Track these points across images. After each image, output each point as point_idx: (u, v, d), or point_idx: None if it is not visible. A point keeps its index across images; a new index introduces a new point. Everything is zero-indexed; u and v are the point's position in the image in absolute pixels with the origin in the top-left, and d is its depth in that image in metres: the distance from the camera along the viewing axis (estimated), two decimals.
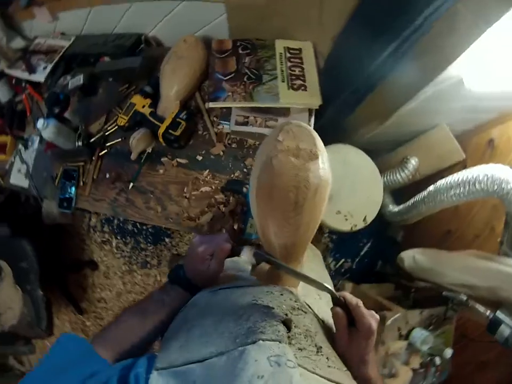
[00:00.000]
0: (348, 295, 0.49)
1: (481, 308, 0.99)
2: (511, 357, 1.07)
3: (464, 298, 1.03)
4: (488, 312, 0.98)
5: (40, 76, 1.25)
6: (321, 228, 1.86)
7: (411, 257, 1.19)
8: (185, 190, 1.01)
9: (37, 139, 1.24)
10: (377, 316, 0.48)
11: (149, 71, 1.14)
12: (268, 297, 0.48)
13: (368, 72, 0.98)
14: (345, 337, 0.48)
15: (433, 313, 1.22)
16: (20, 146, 1.27)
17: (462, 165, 1.33)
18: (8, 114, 1.32)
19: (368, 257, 1.84)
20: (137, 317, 0.56)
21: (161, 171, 1.04)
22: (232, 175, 0.99)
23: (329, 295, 0.50)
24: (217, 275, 0.57)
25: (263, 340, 0.36)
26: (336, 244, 1.84)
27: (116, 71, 1.12)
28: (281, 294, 0.50)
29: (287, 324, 0.42)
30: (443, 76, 1.00)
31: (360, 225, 1.20)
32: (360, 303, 0.48)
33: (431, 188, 1.21)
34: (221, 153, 1.01)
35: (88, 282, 1.98)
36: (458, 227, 1.38)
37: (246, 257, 0.66)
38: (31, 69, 1.27)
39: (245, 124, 0.97)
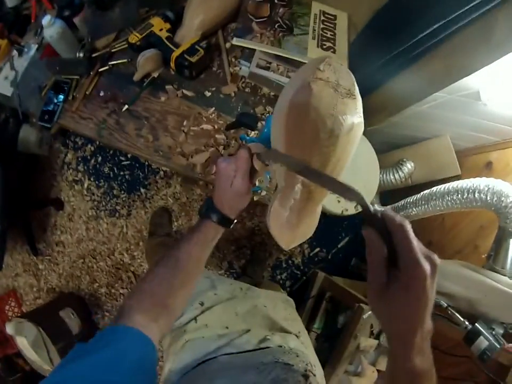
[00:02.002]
0: (389, 212, 0.33)
1: (460, 318, 0.97)
2: (479, 376, 1.05)
3: (445, 305, 1.01)
4: (466, 322, 0.96)
5: None
6: None
7: None
8: (184, 124, 0.94)
9: (34, 47, 1.13)
10: (436, 258, 0.32)
11: (174, 0, 1.07)
12: (286, 356, 0.59)
13: (391, 59, 0.97)
14: (381, 281, 0.33)
15: None
16: (14, 52, 1.15)
17: (456, 180, 1.34)
18: (10, 19, 1.21)
19: (344, 251, 1.84)
20: (170, 263, 0.53)
21: (162, 99, 0.96)
22: None
23: None
24: (244, 192, 0.54)
25: None
26: (315, 232, 1.80)
27: None
28: (297, 356, 0.63)
29: (306, 376, 0.52)
30: (461, 85, 0.99)
31: (351, 211, 1.17)
32: (409, 226, 0.32)
33: (426, 191, 1.20)
34: (232, 94, 0.95)
35: (49, 222, 1.83)
36: (441, 239, 1.38)
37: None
38: None
39: (266, 68, 0.91)
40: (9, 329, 1.32)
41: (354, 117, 0.45)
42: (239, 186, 0.53)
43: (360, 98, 0.48)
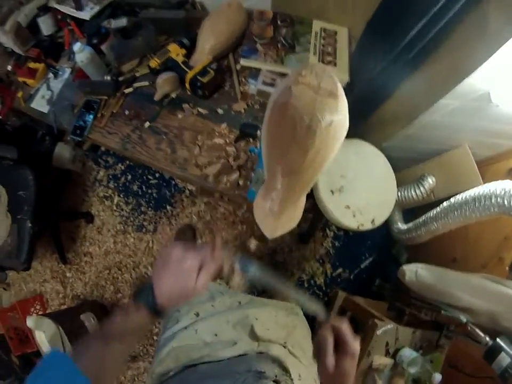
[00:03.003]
0: (335, 319, 0.52)
1: (480, 333, 0.93)
2: None
3: (464, 320, 0.98)
4: (487, 338, 0.92)
5: (86, 14, 1.31)
6: (325, 230, 1.84)
7: (413, 271, 1.13)
8: (198, 138, 1.03)
9: (68, 70, 1.29)
10: (358, 343, 0.51)
11: (188, 28, 1.18)
12: (260, 364, 0.63)
13: (392, 65, 0.97)
14: (333, 362, 0.49)
15: (425, 336, 1.16)
16: (50, 74, 1.31)
17: None
18: (47, 45, 1.38)
19: (367, 272, 1.80)
20: (100, 342, 0.49)
21: (180, 116, 1.06)
22: None
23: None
24: (205, 289, 0.51)
25: None
26: (337, 252, 1.80)
27: (159, 19, 1.17)
28: (273, 361, 0.67)
29: (277, 382, 0.57)
30: (470, 88, 0.99)
31: (367, 226, 1.10)
32: (345, 322, 0.51)
33: (445, 203, 1.15)
34: (242, 110, 1.03)
35: (79, 234, 1.97)
36: (465, 255, 1.32)
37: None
38: (79, 6, 1.32)
39: (271, 85, 0.99)
40: (29, 322, 1.36)
41: (334, 114, 0.49)
42: (203, 284, 0.50)
43: (344, 99, 0.52)
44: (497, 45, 0.78)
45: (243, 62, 1.00)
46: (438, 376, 1.06)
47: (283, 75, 1.01)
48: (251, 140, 0.99)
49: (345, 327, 0.51)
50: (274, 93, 0.54)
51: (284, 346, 0.80)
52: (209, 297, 0.89)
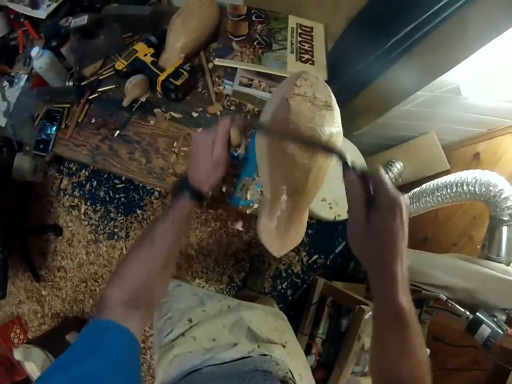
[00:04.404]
0: (363, 167, 0.39)
1: (460, 308, 0.99)
2: (485, 364, 1.06)
3: (444, 298, 1.02)
4: (467, 312, 0.97)
5: (42, 13, 1.19)
6: None
7: None
8: (174, 145, 0.96)
9: (24, 77, 1.16)
10: (407, 198, 0.39)
11: (155, 24, 1.10)
12: (266, 365, 0.62)
13: (371, 62, 0.99)
14: (362, 213, 0.37)
15: None
16: (5, 83, 1.18)
17: (445, 175, 1.36)
18: None
19: (342, 256, 1.86)
20: (146, 245, 0.51)
21: (152, 122, 0.99)
22: None
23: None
24: (221, 162, 0.54)
25: None
26: (312, 239, 1.83)
27: (123, 16, 1.08)
28: (277, 364, 0.65)
29: (285, 382, 0.56)
30: (441, 81, 1.02)
31: (344, 216, 1.19)
32: (383, 171, 0.37)
33: (416, 189, 1.23)
34: (218, 113, 0.97)
35: (49, 249, 1.84)
36: (435, 234, 1.40)
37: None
38: (34, 4, 1.20)
39: (249, 86, 0.95)
40: (17, 355, 1.33)
41: (332, 127, 0.48)
42: (219, 154, 0.53)
43: (338, 109, 0.50)
44: (475, 47, 0.81)
45: (218, 61, 0.94)
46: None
47: (261, 74, 0.96)
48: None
49: (379, 173, 0.37)
50: (269, 106, 0.50)
51: (284, 346, 0.81)
52: (199, 303, 0.88)
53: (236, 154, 0.89)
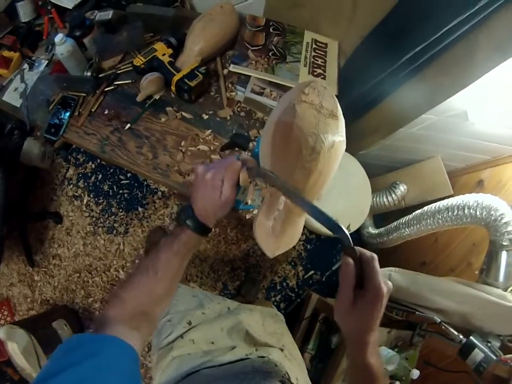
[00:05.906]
0: (362, 249, 0.44)
1: (454, 332, 0.98)
2: None
3: (438, 320, 1.01)
4: (461, 336, 0.96)
5: (69, 3, 1.23)
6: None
7: (387, 274, 1.18)
8: (182, 144, 0.98)
9: (44, 62, 1.19)
10: (390, 284, 0.42)
11: (176, 27, 1.14)
12: (265, 366, 0.63)
13: (381, 80, 1.01)
14: (350, 297, 0.42)
15: (400, 335, 1.21)
16: (25, 65, 1.22)
17: None
18: (23, 33, 1.28)
19: (338, 274, 1.82)
20: (149, 274, 0.52)
21: (163, 119, 1.01)
22: None
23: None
24: (230, 202, 0.56)
25: None
26: (309, 254, 1.82)
27: (147, 15, 1.11)
28: (276, 366, 0.66)
29: (283, 382, 0.56)
30: (449, 105, 1.03)
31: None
32: (376, 259, 0.42)
33: (418, 211, 1.23)
34: (228, 117, 1.00)
35: (47, 235, 1.85)
36: (434, 259, 1.39)
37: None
38: None
39: (260, 94, 0.97)
40: (1, 333, 1.31)
41: (336, 136, 0.49)
42: (228, 196, 0.54)
43: (343, 119, 0.52)
44: (483, 71, 0.82)
45: (233, 68, 0.97)
46: (416, 372, 1.11)
47: (273, 84, 0.99)
48: (237, 149, 0.96)
49: (369, 255, 0.42)
50: (276, 110, 0.52)
51: (282, 350, 0.82)
52: (199, 305, 0.89)
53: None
